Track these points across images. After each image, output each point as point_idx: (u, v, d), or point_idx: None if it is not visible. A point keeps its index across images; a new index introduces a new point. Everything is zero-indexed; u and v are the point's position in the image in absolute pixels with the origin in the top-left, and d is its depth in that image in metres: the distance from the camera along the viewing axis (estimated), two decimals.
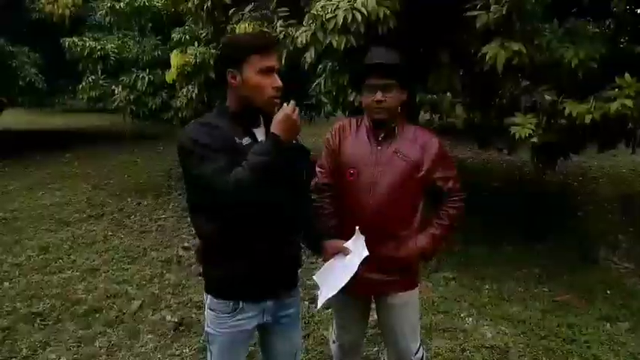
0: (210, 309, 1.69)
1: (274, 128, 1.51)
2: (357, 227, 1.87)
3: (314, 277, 1.93)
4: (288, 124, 1.51)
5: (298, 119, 1.54)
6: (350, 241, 1.88)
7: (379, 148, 1.96)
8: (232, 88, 1.59)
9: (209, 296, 1.69)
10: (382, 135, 1.97)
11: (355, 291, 1.98)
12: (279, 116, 1.51)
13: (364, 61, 2.00)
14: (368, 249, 1.85)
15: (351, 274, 1.79)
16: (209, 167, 1.47)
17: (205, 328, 1.73)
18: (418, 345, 2.14)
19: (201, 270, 1.74)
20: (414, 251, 1.99)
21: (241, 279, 1.62)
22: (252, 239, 1.59)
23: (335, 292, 1.81)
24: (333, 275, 1.85)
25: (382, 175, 1.93)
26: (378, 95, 1.88)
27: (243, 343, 1.74)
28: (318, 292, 1.89)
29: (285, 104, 1.54)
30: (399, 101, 1.95)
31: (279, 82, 1.57)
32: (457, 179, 2.05)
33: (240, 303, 1.65)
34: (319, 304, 1.86)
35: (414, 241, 1.99)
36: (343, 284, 1.79)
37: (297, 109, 1.54)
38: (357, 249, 1.84)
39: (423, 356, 2.17)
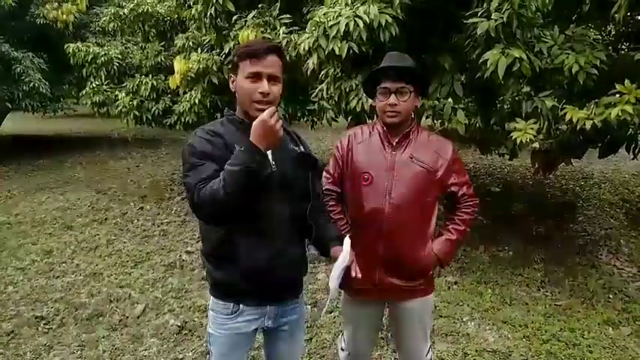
0: (212, 310, 1.72)
1: (251, 135, 1.46)
2: (348, 236, 1.79)
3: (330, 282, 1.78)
4: (263, 130, 1.44)
5: (277, 124, 1.45)
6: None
7: (394, 153, 1.95)
8: (234, 94, 1.66)
9: (212, 297, 1.72)
10: (396, 140, 1.96)
11: (371, 296, 1.99)
12: (256, 122, 1.46)
13: (377, 68, 1.99)
14: (384, 254, 1.90)
15: (337, 281, 1.74)
16: (195, 177, 1.50)
17: (207, 329, 1.76)
18: (429, 347, 2.16)
19: (205, 271, 1.76)
20: (430, 257, 1.98)
21: (240, 283, 1.62)
22: (252, 244, 1.59)
23: (332, 295, 1.79)
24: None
25: (398, 181, 1.91)
26: (392, 99, 1.88)
27: (242, 346, 1.74)
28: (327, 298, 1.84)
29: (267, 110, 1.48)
30: (413, 106, 1.95)
31: (265, 87, 1.56)
32: (470, 184, 2.05)
33: (240, 305, 1.67)
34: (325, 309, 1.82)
35: (430, 247, 1.99)
36: (333, 287, 1.74)
37: (277, 114, 1.47)
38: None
39: (431, 358, 2.20)
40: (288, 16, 4.42)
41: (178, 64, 5.22)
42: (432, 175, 1.94)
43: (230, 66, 1.65)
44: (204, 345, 3.05)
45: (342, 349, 2.25)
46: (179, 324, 3.28)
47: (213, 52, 5.26)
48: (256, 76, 1.56)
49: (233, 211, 1.49)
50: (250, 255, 1.59)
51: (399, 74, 1.89)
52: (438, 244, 2.00)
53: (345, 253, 1.71)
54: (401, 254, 1.93)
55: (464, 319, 3.31)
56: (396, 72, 1.90)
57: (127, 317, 3.41)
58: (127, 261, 4.44)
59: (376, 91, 1.96)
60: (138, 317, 3.41)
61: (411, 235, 1.94)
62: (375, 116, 2.06)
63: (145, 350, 3.03)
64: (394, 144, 1.96)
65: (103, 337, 3.17)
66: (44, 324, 3.34)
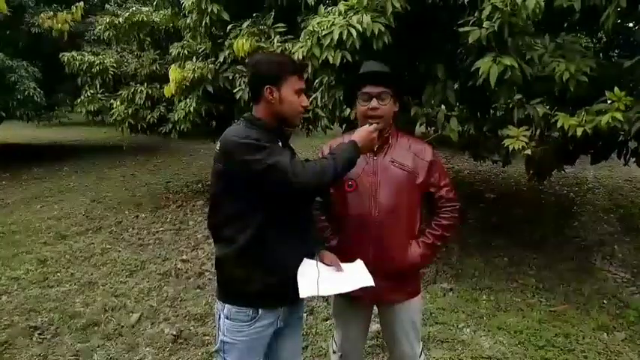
0: (228, 318, 1.72)
1: (356, 137, 1.76)
2: (359, 259, 1.92)
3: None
4: (369, 138, 1.79)
5: (376, 138, 1.83)
6: (348, 264, 1.88)
7: (375, 158, 2.00)
8: (267, 103, 1.71)
9: (226, 305, 1.73)
10: (377, 145, 1.98)
11: (360, 298, 2.01)
12: (363, 129, 1.80)
13: (358, 73, 2.07)
14: (374, 257, 1.93)
15: (348, 290, 1.78)
16: (283, 156, 1.58)
17: (220, 338, 1.76)
18: (421, 348, 2.18)
19: (221, 280, 1.77)
20: (412, 259, 2.03)
21: (265, 286, 1.68)
22: (279, 248, 1.68)
23: (327, 293, 1.78)
24: (329, 278, 1.79)
25: (381, 185, 1.97)
26: (374, 103, 1.94)
27: (260, 351, 1.78)
28: (307, 281, 1.74)
29: (371, 124, 1.83)
30: (392, 111, 2.01)
31: (307, 102, 1.79)
32: (452, 187, 2.08)
33: (259, 311, 1.71)
34: (307, 294, 1.71)
35: (411, 249, 2.04)
36: (338, 292, 1.77)
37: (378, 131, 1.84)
38: (357, 273, 1.85)
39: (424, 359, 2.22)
40: (283, 25, 4.45)
41: (173, 73, 5.24)
42: (414, 177, 2.00)
43: (267, 77, 1.70)
44: (214, 351, 3.03)
45: (334, 352, 2.27)
46: (174, 333, 3.27)
47: (208, 60, 5.29)
48: (301, 91, 1.75)
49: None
50: (276, 258, 1.69)
51: (379, 79, 1.97)
52: (413, 246, 2.04)
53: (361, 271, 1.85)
54: (390, 256, 1.97)
55: (459, 326, 3.32)
56: (376, 77, 1.98)
57: (122, 326, 3.39)
58: (122, 270, 4.42)
59: (357, 98, 2.01)
60: (133, 326, 3.40)
61: (399, 236, 2.00)
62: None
63: None
64: (375, 149, 1.99)
65: (98, 347, 3.15)
66: (38, 334, 3.31)
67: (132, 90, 6.30)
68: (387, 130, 2.01)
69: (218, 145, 1.69)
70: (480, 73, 2.96)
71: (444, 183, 2.06)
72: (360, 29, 3.17)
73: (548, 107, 3.14)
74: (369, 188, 1.97)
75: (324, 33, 3.33)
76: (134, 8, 6.63)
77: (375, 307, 2.20)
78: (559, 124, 2.96)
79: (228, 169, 1.65)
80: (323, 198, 2.07)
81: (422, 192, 2.04)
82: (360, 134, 1.78)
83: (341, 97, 3.66)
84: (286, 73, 1.70)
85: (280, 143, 1.74)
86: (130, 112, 6.24)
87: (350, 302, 2.09)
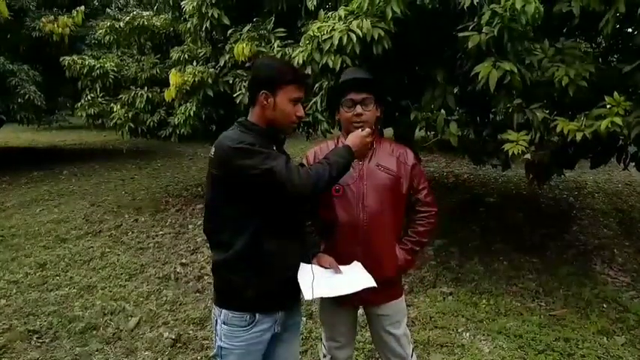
0: (225, 323, 1.72)
1: (350, 142, 1.78)
2: (356, 261, 1.95)
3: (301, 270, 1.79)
4: (363, 143, 1.81)
5: (370, 143, 1.86)
6: (346, 267, 1.90)
7: (360, 163, 2.04)
8: (261, 108, 1.71)
9: (223, 310, 1.72)
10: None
11: (346, 302, 2.03)
12: (357, 134, 1.81)
13: (340, 81, 2.12)
14: (363, 259, 1.95)
15: (352, 291, 1.78)
16: (279, 161, 1.58)
17: (217, 343, 1.75)
18: (412, 349, 2.20)
19: (218, 285, 1.77)
20: (398, 263, 2.08)
21: (262, 291, 1.68)
22: (275, 252, 1.68)
23: (331, 295, 1.77)
24: (330, 280, 1.81)
25: (368, 189, 2.01)
26: (358, 109, 1.99)
27: (257, 356, 1.78)
28: (307, 284, 1.72)
29: (364, 129, 1.85)
30: (375, 116, 2.05)
31: (302, 112, 1.76)
32: (429, 192, 2.13)
33: (257, 315, 1.70)
34: (311, 296, 1.69)
35: (397, 253, 2.08)
36: (342, 294, 1.76)
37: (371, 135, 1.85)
38: (357, 274, 1.87)
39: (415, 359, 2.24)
40: (283, 29, 4.47)
41: (174, 77, 5.25)
42: (398, 180, 2.05)
43: (264, 82, 1.69)
44: (200, 358, 3.04)
45: (324, 356, 2.29)
46: (173, 337, 3.26)
47: (209, 64, 5.30)
48: (297, 101, 1.73)
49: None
50: (273, 262, 1.69)
51: (362, 86, 2.01)
52: (397, 251, 2.10)
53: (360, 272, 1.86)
54: (379, 260, 2.01)
55: (459, 330, 3.32)
56: (359, 84, 2.02)
57: (121, 330, 3.39)
58: (121, 273, 4.42)
59: (340, 104, 2.04)
60: (132, 330, 3.39)
61: (386, 240, 2.05)
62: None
63: None
64: None
65: (97, 351, 3.14)
66: (37, 338, 3.31)
67: (132, 94, 6.31)
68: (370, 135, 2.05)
69: (213, 150, 1.69)
70: (479, 77, 2.97)
71: (422, 186, 2.11)
72: (360, 34, 3.19)
73: (547, 112, 3.14)
74: (356, 193, 2.01)
75: (324, 38, 3.35)
76: (135, 12, 6.66)
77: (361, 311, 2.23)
78: (558, 129, 2.96)
79: (223, 175, 1.65)
80: (309, 204, 2.09)
81: (405, 195, 2.09)
82: (354, 139, 1.79)
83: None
84: (284, 80, 1.69)
85: (275, 148, 1.74)
86: (130, 115, 6.24)
87: (337, 306, 2.11)
